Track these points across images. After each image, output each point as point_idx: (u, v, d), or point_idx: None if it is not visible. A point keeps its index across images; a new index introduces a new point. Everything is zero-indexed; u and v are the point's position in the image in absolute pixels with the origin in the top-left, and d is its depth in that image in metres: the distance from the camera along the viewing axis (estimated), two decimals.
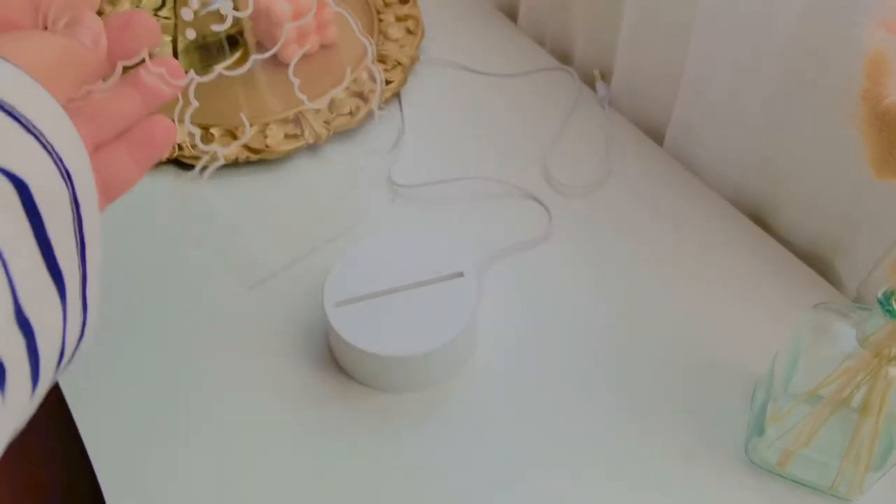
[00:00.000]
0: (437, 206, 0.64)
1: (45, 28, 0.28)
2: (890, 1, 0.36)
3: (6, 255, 0.21)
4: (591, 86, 0.73)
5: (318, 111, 0.69)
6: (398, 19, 0.77)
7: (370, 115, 0.69)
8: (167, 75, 0.32)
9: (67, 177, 0.24)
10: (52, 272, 0.23)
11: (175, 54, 0.71)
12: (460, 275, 0.54)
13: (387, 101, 0.70)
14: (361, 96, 0.70)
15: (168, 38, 0.70)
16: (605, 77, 0.72)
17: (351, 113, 0.68)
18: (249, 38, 0.75)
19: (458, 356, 0.54)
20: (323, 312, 0.52)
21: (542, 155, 0.67)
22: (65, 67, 0.27)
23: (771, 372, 0.49)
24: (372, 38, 0.75)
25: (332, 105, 0.69)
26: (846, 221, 0.57)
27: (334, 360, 0.55)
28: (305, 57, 0.74)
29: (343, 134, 0.68)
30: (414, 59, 0.73)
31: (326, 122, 0.68)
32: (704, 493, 0.49)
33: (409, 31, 0.76)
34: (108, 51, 0.29)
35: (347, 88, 0.70)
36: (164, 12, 0.68)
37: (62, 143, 0.24)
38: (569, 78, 0.73)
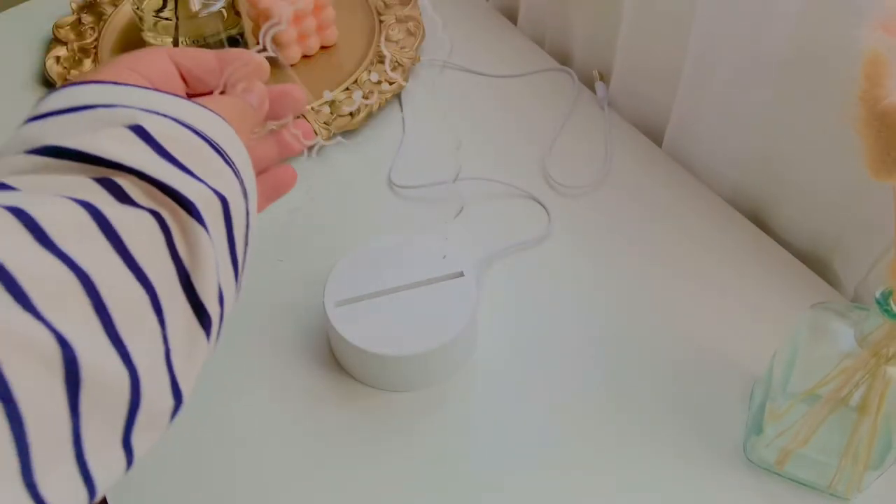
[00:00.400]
0: (436, 207, 0.64)
1: (225, 88, 0.38)
2: (888, 2, 0.36)
3: (215, 245, 0.31)
4: (591, 86, 0.73)
5: (318, 112, 0.69)
6: (399, 20, 0.77)
7: (370, 115, 0.69)
8: (301, 136, 0.42)
9: (245, 195, 0.34)
10: (233, 260, 0.33)
11: None
12: (460, 275, 0.54)
13: (387, 102, 0.70)
14: (361, 97, 0.70)
15: (168, 39, 0.70)
16: (604, 78, 0.73)
17: (351, 114, 0.69)
18: (249, 39, 0.76)
19: (458, 356, 0.54)
20: (323, 312, 0.53)
21: (542, 155, 0.67)
22: (242, 121, 0.36)
23: (769, 371, 0.49)
24: (372, 39, 0.75)
25: (332, 106, 0.69)
26: (844, 221, 0.57)
27: (334, 359, 0.55)
28: (306, 58, 0.74)
29: (343, 135, 0.69)
30: (414, 60, 0.73)
31: (326, 123, 0.68)
32: (703, 492, 0.49)
33: (409, 33, 0.76)
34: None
35: (348, 89, 0.71)
36: (165, 13, 0.69)
37: (244, 171, 0.34)
38: (568, 79, 0.74)
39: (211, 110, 0.33)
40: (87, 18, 0.77)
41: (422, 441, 0.52)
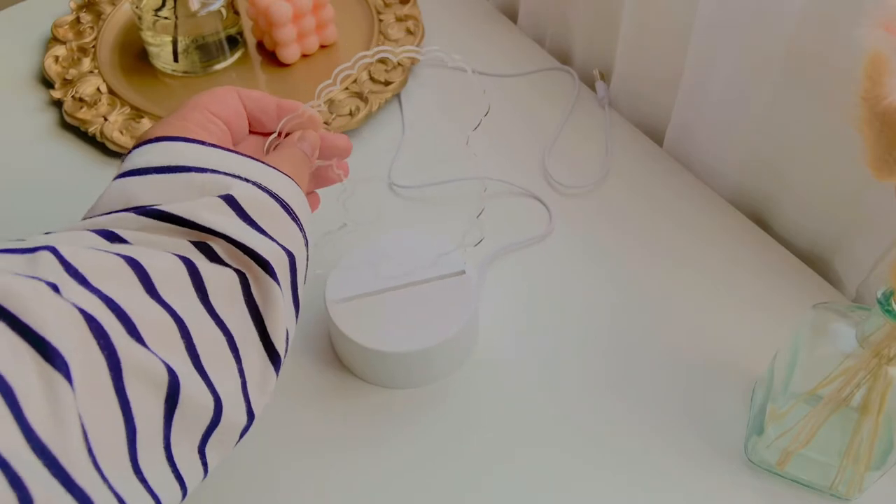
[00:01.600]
0: (437, 206, 0.64)
1: (280, 133, 0.45)
2: (889, 1, 0.36)
3: (283, 294, 0.38)
4: (591, 86, 0.73)
5: (317, 111, 0.69)
6: (398, 19, 0.77)
7: (370, 115, 0.69)
8: (343, 174, 0.49)
9: (306, 245, 0.41)
10: (294, 301, 0.40)
11: (175, 54, 0.71)
12: (462, 272, 0.54)
13: (387, 101, 0.70)
14: (361, 97, 0.70)
15: (167, 38, 0.70)
16: (605, 77, 0.73)
17: (351, 113, 0.69)
18: (249, 38, 0.76)
19: (460, 352, 0.54)
20: (325, 308, 0.53)
21: (542, 154, 0.67)
22: (301, 171, 0.43)
23: (770, 371, 0.49)
24: (372, 38, 0.75)
25: (331, 105, 0.69)
26: (846, 221, 0.57)
27: (335, 356, 0.55)
28: (305, 57, 0.74)
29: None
30: (414, 60, 0.73)
31: (326, 123, 0.68)
32: (703, 492, 0.49)
33: (409, 32, 0.76)
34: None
35: (347, 89, 0.70)
36: (164, 12, 0.69)
37: (306, 223, 0.41)
38: (568, 78, 0.74)
39: (284, 173, 0.40)
40: (86, 17, 0.77)
41: (422, 437, 0.51)
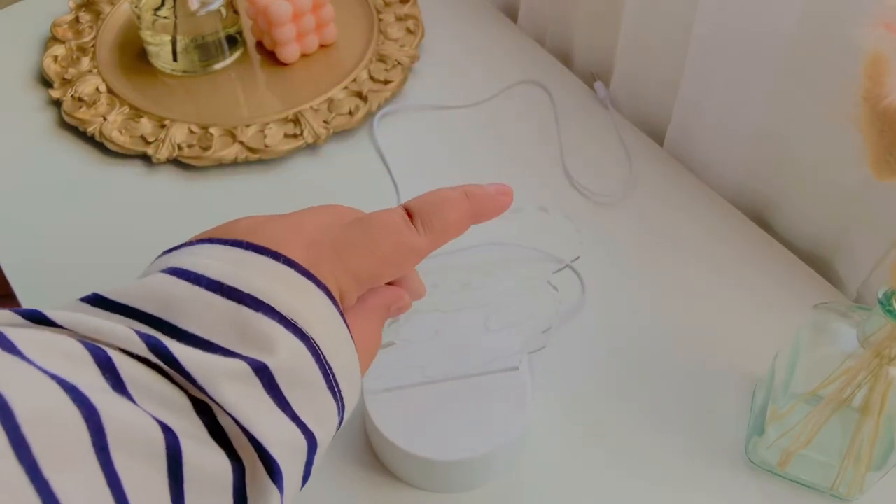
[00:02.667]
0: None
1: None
2: (890, 1, 0.36)
3: (287, 488, 0.30)
4: (592, 87, 0.73)
5: (316, 111, 0.68)
6: (398, 19, 0.76)
7: (370, 115, 0.69)
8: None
9: (342, 411, 0.33)
10: (304, 476, 0.32)
11: (174, 54, 0.71)
12: (515, 368, 0.49)
13: (386, 101, 0.70)
14: (361, 96, 0.70)
15: (167, 37, 0.70)
16: (603, 77, 0.72)
17: (350, 113, 0.68)
18: (248, 37, 0.75)
19: (510, 458, 0.50)
20: (361, 397, 0.48)
21: (542, 155, 0.67)
22: (375, 333, 0.36)
23: (771, 372, 0.49)
24: (371, 37, 0.75)
25: (331, 105, 0.69)
26: (847, 221, 0.57)
27: (369, 445, 0.51)
28: (305, 56, 0.74)
29: (342, 134, 0.68)
30: (414, 59, 0.73)
31: (326, 122, 0.68)
32: (704, 492, 0.49)
33: (409, 31, 0.75)
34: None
35: (346, 88, 0.70)
36: (163, 12, 0.68)
37: (350, 404, 0.33)
38: (568, 78, 0.73)
39: (350, 338, 0.33)
40: (85, 17, 0.77)
41: None
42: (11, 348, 0.25)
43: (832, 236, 0.59)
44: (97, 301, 0.29)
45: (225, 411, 0.28)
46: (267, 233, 0.32)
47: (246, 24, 0.75)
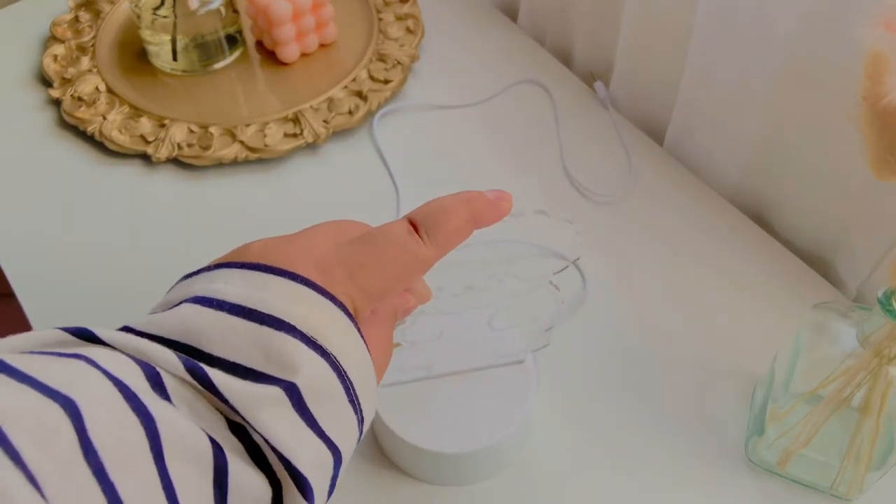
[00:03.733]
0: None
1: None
2: (890, 1, 0.36)
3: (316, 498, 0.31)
4: (592, 87, 0.73)
5: (316, 110, 0.68)
6: (398, 18, 0.76)
7: (369, 114, 0.69)
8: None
9: (361, 423, 0.34)
10: (329, 490, 0.33)
11: (174, 53, 0.71)
12: (520, 362, 0.50)
13: (386, 101, 0.70)
14: (360, 95, 0.70)
15: (166, 37, 0.70)
16: (603, 77, 0.72)
17: (350, 112, 0.68)
18: (248, 37, 0.75)
19: (514, 449, 0.50)
20: None
21: (542, 155, 0.67)
22: (387, 340, 0.38)
23: (771, 371, 0.49)
24: (371, 37, 0.75)
25: (330, 104, 0.69)
26: (846, 221, 0.57)
27: (374, 439, 0.51)
28: (305, 56, 0.74)
29: (342, 133, 0.68)
30: (414, 59, 0.73)
31: (325, 122, 0.68)
32: (704, 492, 0.49)
33: (408, 31, 0.75)
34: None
35: (346, 87, 0.70)
36: (163, 11, 0.68)
37: (368, 416, 0.35)
38: (568, 78, 0.73)
39: (367, 352, 0.34)
40: (85, 16, 0.77)
41: None
42: (83, 357, 0.27)
43: (832, 236, 0.59)
44: (127, 332, 0.30)
45: (258, 433, 0.29)
46: (279, 255, 0.33)
47: (246, 23, 0.75)
